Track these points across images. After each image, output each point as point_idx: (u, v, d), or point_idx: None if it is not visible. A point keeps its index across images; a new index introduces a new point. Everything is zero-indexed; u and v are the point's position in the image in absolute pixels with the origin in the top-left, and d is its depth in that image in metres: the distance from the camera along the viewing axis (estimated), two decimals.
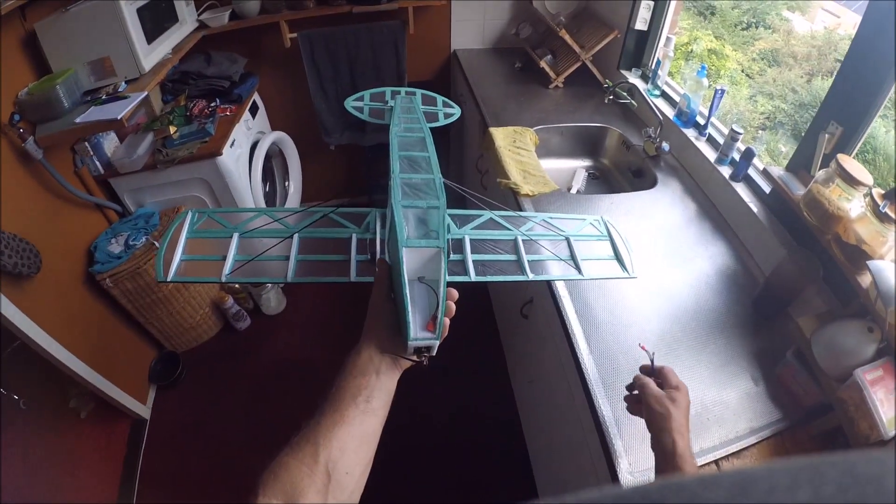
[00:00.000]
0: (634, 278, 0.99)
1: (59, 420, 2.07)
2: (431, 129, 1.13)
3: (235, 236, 0.89)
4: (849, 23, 1.34)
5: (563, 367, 1.46)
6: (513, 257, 0.94)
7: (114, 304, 2.24)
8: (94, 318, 2.16)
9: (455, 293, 0.74)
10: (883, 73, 1.24)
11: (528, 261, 0.93)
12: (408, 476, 2.16)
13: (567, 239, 1.02)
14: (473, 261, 0.89)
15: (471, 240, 0.93)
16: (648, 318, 1.37)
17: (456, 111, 1.45)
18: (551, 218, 1.06)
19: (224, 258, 0.86)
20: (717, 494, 0.19)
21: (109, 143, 2.20)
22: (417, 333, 0.65)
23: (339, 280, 0.86)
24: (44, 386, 2.02)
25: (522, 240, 0.97)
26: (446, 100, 1.47)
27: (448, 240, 0.85)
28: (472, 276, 0.87)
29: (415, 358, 0.68)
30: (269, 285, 2.75)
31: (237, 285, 2.72)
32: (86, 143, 2.06)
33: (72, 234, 2.11)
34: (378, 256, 0.87)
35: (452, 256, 0.88)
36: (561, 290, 1.42)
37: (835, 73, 1.41)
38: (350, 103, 1.41)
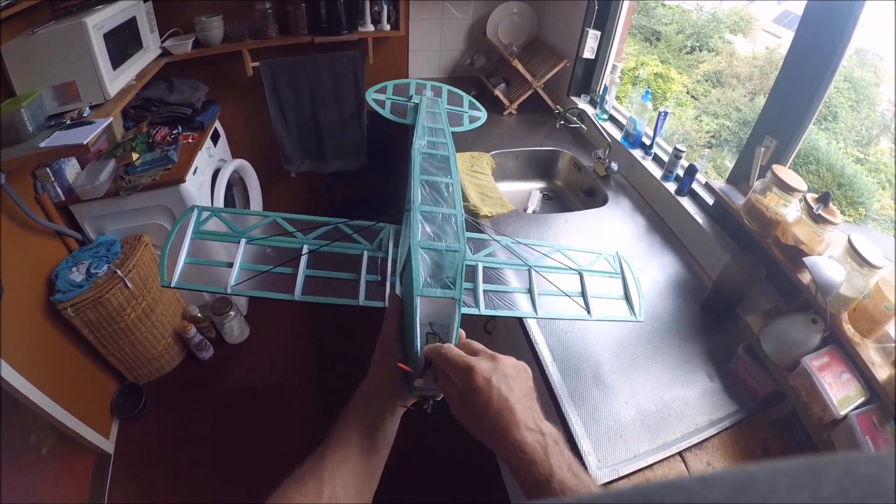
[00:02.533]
0: (641, 322, 0.97)
1: (18, 457, 1.96)
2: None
3: (243, 242, 0.84)
4: (789, 43, 1.44)
5: None
6: (523, 290, 0.91)
7: (74, 335, 2.18)
8: (55, 349, 2.10)
9: (463, 336, 0.72)
10: (811, 88, 1.36)
11: (539, 293, 0.90)
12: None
13: (580, 273, 0.99)
14: (484, 290, 0.86)
15: (483, 268, 0.89)
16: (606, 325, 1.42)
17: (482, 114, 1.42)
18: (566, 250, 1.02)
19: (230, 265, 0.81)
20: (718, 494, 0.19)
21: (71, 168, 2.16)
22: (424, 384, 0.66)
23: (347, 302, 0.82)
24: (2, 421, 1.95)
25: (535, 272, 0.93)
26: (473, 100, 1.43)
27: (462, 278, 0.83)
28: (482, 310, 0.84)
29: (418, 403, 0.68)
30: (232, 313, 2.72)
31: (199, 314, 2.69)
32: (47, 169, 2.02)
33: (31, 262, 2.05)
34: (389, 280, 0.84)
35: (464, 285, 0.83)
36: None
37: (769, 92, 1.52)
38: (371, 95, 1.37)
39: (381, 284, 0.84)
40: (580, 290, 0.95)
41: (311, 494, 0.57)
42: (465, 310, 0.80)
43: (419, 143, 1.02)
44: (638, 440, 1.16)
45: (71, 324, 2.10)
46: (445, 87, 1.41)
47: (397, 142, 3.32)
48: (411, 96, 1.38)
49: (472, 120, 1.40)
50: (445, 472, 2.33)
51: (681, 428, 1.18)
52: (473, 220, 0.97)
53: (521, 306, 0.90)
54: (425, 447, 2.39)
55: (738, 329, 1.31)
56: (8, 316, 1.80)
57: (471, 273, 0.88)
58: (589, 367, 1.31)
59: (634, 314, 0.95)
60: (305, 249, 0.85)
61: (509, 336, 1.65)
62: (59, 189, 2.10)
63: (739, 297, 1.43)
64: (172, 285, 0.77)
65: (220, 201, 2.56)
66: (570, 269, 0.98)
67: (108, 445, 2.32)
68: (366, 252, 0.86)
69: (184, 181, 2.22)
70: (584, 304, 0.93)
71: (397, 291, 0.80)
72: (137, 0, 2.18)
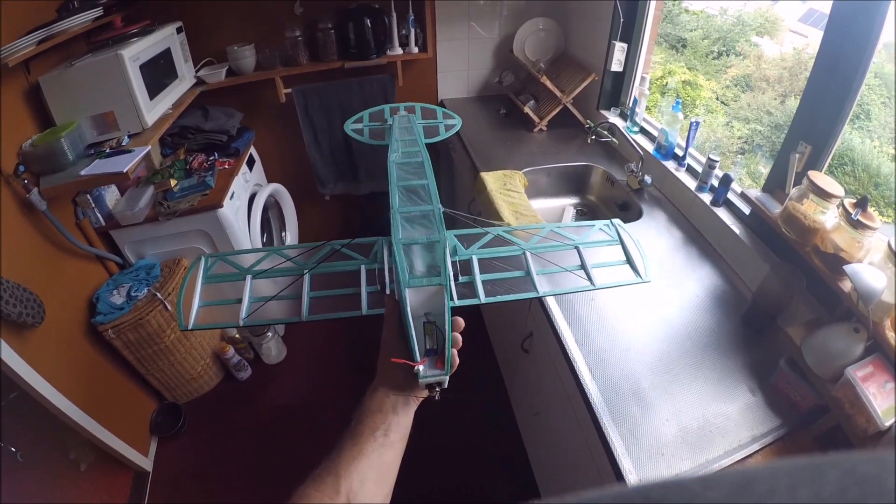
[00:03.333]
0: (649, 282, 0.95)
1: (58, 473, 2.02)
2: (433, 144, 1.16)
3: (248, 279, 0.88)
4: (817, 42, 1.42)
5: (568, 395, 1.50)
6: (522, 273, 0.91)
7: (115, 355, 2.24)
8: (96, 369, 2.16)
9: (461, 322, 0.75)
10: (843, 88, 1.33)
11: (538, 273, 0.90)
12: None
13: (577, 248, 0.98)
14: (482, 281, 0.86)
15: (478, 259, 0.90)
16: (645, 342, 1.42)
17: (457, 122, 1.45)
18: (559, 227, 1.01)
19: (240, 301, 0.85)
20: (719, 494, 0.19)
21: (110, 195, 2.24)
22: (427, 372, 0.68)
23: (351, 314, 0.84)
24: (43, 437, 1.98)
25: (531, 254, 0.93)
26: (446, 110, 1.46)
27: (457, 262, 0.86)
28: (482, 298, 0.84)
29: (426, 393, 0.69)
30: (270, 334, 2.78)
31: (237, 335, 2.75)
32: (87, 196, 2.10)
33: (73, 285, 2.12)
34: (388, 286, 0.85)
35: (461, 279, 0.86)
36: (560, 321, 1.48)
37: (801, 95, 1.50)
38: (350, 126, 1.42)
39: (381, 293, 0.85)
40: (579, 263, 0.95)
41: (329, 491, 0.58)
42: (466, 301, 0.83)
43: (394, 156, 1.09)
44: (679, 458, 1.14)
45: (112, 345, 2.17)
46: (418, 105, 1.45)
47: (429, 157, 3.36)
48: (386, 119, 1.42)
49: (448, 128, 1.42)
50: (475, 466, 2.37)
51: (723, 444, 1.16)
52: (462, 215, 0.98)
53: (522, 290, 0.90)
54: (456, 441, 2.44)
55: (780, 341, 1.29)
56: (50, 337, 1.86)
57: (468, 267, 0.89)
58: (628, 385, 1.30)
59: (640, 276, 0.94)
60: (307, 276, 0.88)
61: (548, 354, 1.65)
62: (99, 215, 2.18)
63: (780, 309, 1.40)
64: (190, 328, 0.82)
65: (256, 225, 2.62)
66: (566, 245, 0.98)
67: (146, 463, 2.38)
68: (363, 266, 0.89)
69: (221, 206, 2.28)
70: (586, 275, 0.93)
71: (394, 294, 0.82)
72: (172, 31, 2.26)
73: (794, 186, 1.48)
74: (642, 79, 2.29)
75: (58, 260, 2.02)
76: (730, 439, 1.18)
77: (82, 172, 1.87)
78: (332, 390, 2.78)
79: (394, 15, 2.66)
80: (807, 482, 0.19)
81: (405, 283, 0.74)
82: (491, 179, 2.19)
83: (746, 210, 1.69)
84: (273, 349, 2.87)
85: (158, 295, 2.21)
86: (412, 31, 2.73)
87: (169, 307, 2.23)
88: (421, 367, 0.67)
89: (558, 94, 2.56)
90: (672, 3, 2.35)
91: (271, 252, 0.93)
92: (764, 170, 1.90)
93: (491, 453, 2.41)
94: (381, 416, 0.67)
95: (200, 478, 2.40)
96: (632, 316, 1.50)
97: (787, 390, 1.24)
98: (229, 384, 2.81)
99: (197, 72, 2.51)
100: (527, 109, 2.66)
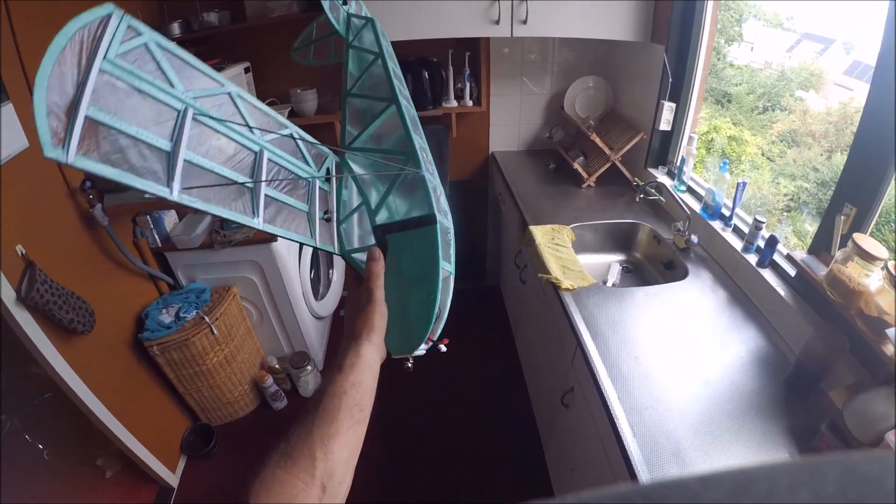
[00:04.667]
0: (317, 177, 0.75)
1: (82, 476, 2.11)
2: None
3: (189, 113, 0.55)
4: (862, 95, 1.43)
5: (607, 453, 1.52)
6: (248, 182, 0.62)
7: (156, 372, 2.33)
8: (136, 382, 2.25)
9: (377, 251, 0.69)
10: (886, 151, 1.35)
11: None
12: None
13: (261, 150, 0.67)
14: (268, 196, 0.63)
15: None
16: (688, 402, 1.44)
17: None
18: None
19: (171, 151, 0.52)
20: (718, 494, 0.19)
21: (169, 219, 2.38)
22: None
23: (304, 241, 0.69)
24: (71, 440, 2.07)
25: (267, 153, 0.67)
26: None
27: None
28: (261, 226, 0.62)
29: (409, 363, 0.68)
30: (309, 367, 2.83)
31: (276, 365, 2.81)
32: (147, 217, 2.24)
33: (124, 300, 2.24)
34: (335, 224, 0.74)
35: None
36: (603, 377, 1.51)
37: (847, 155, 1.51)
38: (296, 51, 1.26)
39: (328, 222, 0.73)
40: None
41: (304, 475, 0.55)
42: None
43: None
44: None
45: (155, 361, 2.26)
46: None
47: (478, 207, 3.49)
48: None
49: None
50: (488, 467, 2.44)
51: None
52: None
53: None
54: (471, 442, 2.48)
55: (822, 405, 1.31)
56: (96, 345, 1.96)
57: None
58: (669, 444, 1.32)
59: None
60: (265, 157, 0.65)
61: (588, 410, 1.68)
62: (156, 236, 2.32)
63: (823, 372, 1.41)
64: (69, 160, 0.43)
65: (306, 261, 2.71)
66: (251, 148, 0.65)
67: (172, 479, 2.43)
68: (317, 181, 0.73)
69: (275, 240, 2.38)
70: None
71: (355, 241, 0.74)
72: (240, 71, 2.42)
73: (839, 248, 1.49)
74: (690, 138, 2.34)
75: (112, 274, 2.15)
76: None
77: (146, 195, 2.00)
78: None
79: (451, 69, 2.82)
80: (806, 482, 0.19)
81: (440, 255, 0.66)
82: (539, 233, 2.25)
83: (792, 271, 1.70)
84: (311, 382, 2.92)
85: (206, 319, 2.31)
86: (468, 84, 2.88)
87: (215, 332, 2.32)
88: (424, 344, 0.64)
89: (607, 151, 2.63)
90: (716, 59, 2.39)
91: (227, 90, 0.63)
92: (810, 228, 1.90)
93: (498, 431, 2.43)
94: (360, 389, 0.62)
95: (225, 500, 2.39)
96: (675, 375, 1.52)
97: None
98: (264, 412, 2.86)
99: None
100: (576, 165, 2.73)
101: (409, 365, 0.68)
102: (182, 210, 2.46)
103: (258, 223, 0.60)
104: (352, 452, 0.60)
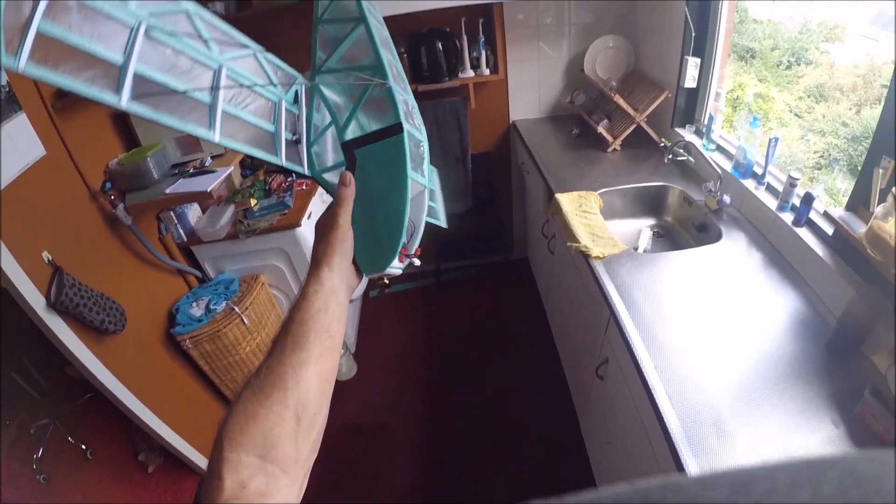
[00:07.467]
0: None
1: (125, 473, 2.17)
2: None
3: (142, 28, 0.53)
4: (887, 46, 1.37)
5: (645, 425, 1.51)
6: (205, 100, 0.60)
7: (191, 365, 2.37)
8: (171, 377, 2.29)
9: (348, 176, 0.68)
10: None
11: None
12: None
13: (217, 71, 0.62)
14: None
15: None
16: (726, 370, 1.41)
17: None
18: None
19: (123, 64, 0.51)
20: (718, 494, 0.19)
21: (193, 213, 2.41)
22: (395, 263, 0.65)
23: (269, 159, 0.67)
24: (113, 438, 2.13)
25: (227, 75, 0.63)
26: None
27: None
28: (217, 139, 0.59)
29: (382, 283, 0.68)
30: (342, 351, 2.83)
31: None
32: (171, 213, 2.27)
33: (154, 296, 2.27)
34: (305, 146, 0.72)
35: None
36: (639, 347, 1.49)
37: (881, 106, 1.45)
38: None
39: (296, 144, 0.72)
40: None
41: (277, 407, 0.54)
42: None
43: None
44: None
45: (188, 354, 2.30)
46: None
47: (501, 178, 3.45)
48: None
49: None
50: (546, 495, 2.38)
51: None
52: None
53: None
54: (523, 467, 2.48)
55: (864, 369, 1.28)
56: (130, 344, 2.00)
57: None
58: (708, 414, 1.30)
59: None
60: (224, 73, 0.61)
61: (624, 381, 1.68)
62: (181, 231, 2.35)
63: (865, 334, 1.37)
64: (20, 68, 0.43)
65: None
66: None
67: None
68: (284, 101, 0.71)
69: (299, 225, 2.41)
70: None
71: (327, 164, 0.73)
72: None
73: (878, 204, 1.44)
74: (717, 95, 2.27)
75: (140, 272, 2.19)
76: None
77: (167, 191, 2.03)
78: (402, 410, 2.84)
79: (465, 38, 2.76)
80: (806, 482, 0.19)
81: (408, 170, 0.66)
82: (566, 201, 2.22)
83: (829, 230, 1.65)
84: (344, 366, 2.95)
85: (236, 309, 2.34)
86: (483, 53, 2.83)
87: (246, 321, 2.35)
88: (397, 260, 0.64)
89: (632, 112, 2.57)
90: (738, 14, 2.30)
91: (184, 8, 0.61)
92: (842, 185, 1.84)
93: (558, 483, 2.40)
94: (327, 315, 0.61)
95: None
96: (712, 342, 1.50)
97: (872, 422, 1.22)
98: None
99: None
100: (600, 129, 2.67)
101: (386, 282, 0.67)
102: (204, 203, 2.48)
103: (214, 136, 0.59)
104: (325, 382, 0.59)
